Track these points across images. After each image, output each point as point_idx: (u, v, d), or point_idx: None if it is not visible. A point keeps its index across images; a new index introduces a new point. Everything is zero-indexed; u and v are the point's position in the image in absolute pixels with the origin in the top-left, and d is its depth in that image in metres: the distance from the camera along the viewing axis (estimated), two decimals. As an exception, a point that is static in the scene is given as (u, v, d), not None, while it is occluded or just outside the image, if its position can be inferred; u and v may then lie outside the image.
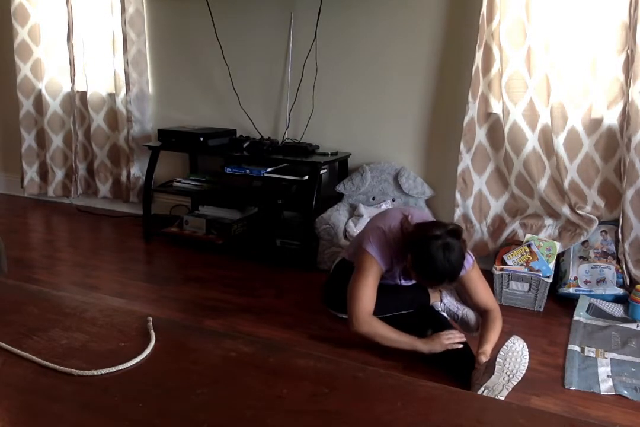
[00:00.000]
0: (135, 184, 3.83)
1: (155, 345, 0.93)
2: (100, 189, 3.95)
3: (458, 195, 2.95)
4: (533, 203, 2.87)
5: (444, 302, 2.29)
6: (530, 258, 2.61)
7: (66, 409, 0.79)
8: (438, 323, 2.24)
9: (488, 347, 2.00)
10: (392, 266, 2.14)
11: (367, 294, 2.05)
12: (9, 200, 4.29)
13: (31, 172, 4.12)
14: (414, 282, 2.30)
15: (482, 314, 2.16)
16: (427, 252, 1.90)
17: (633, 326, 2.40)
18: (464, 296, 2.28)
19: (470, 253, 2.11)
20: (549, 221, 2.84)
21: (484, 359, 1.93)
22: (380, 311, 2.10)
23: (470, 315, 2.24)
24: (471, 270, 2.12)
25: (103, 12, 3.63)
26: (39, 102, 3.95)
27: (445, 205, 3.08)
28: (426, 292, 2.32)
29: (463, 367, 1.96)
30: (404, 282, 2.27)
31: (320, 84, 3.23)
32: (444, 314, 2.29)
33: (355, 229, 2.85)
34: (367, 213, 2.95)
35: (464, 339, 2.04)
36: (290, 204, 3.13)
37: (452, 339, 2.03)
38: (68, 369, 0.86)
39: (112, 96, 3.78)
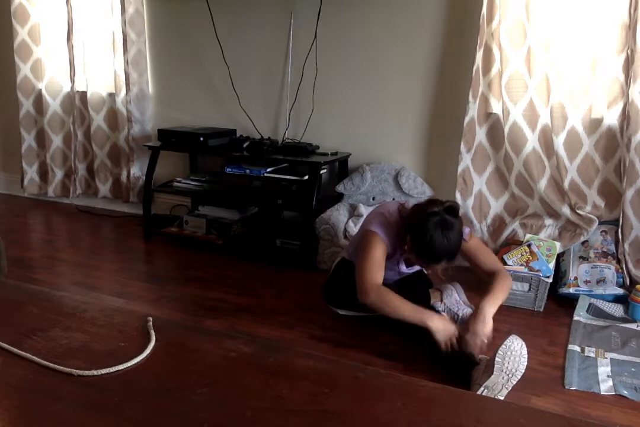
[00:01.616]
0: (135, 184, 3.83)
1: (155, 345, 0.93)
2: (100, 189, 3.95)
3: (458, 195, 2.95)
4: (533, 203, 2.87)
5: (444, 302, 2.29)
6: (530, 258, 2.61)
7: (66, 409, 0.79)
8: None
9: (489, 306, 1.97)
10: (394, 250, 2.14)
11: (374, 265, 2.03)
12: (9, 200, 4.29)
13: (31, 172, 4.12)
14: (415, 269, 2.30)
15: (491, 276, 2.12)
16: (424, 229, 1.91)
17: (633, 326, 2.40)
18: (472, 268, 2.24)
19: (466, 230, 2.11)
20: (549, 221, 2.84)
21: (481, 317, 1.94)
22: None
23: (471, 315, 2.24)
24: (470, 240, 2.11)
25: (103, 13, 3.63)
26: (39, 102, 3.95)
27: (445, 205, 3.08)
28: (426, 292, 2.32)
29: (463, 367, 1.96)
30: (405, 269, 2.28)
31: (320, 84, 3.24)
32: (444, 314, 2.28)
33: (355, 229, 2.86)
34: (367, 213, 2.95)
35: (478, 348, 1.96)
36: (290, 204, 3.13)
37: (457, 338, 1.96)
38: (68, 369, 0.86)
39: (112, 96, 3.78)
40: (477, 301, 2.07)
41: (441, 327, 1.97)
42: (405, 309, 1.97)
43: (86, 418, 0.77)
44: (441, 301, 2.30)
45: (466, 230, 2.09)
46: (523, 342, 1.82)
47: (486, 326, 1.96)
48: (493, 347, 1.96)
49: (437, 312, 2.28)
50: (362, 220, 2.89)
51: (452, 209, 1.95)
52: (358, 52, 3.14)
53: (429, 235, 1.90)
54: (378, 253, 2.06)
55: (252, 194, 3.24)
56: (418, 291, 2.33)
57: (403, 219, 2.08)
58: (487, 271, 2.15)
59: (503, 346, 1.81)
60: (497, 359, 1.79)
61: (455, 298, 2.32)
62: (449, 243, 1.91)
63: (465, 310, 2.26)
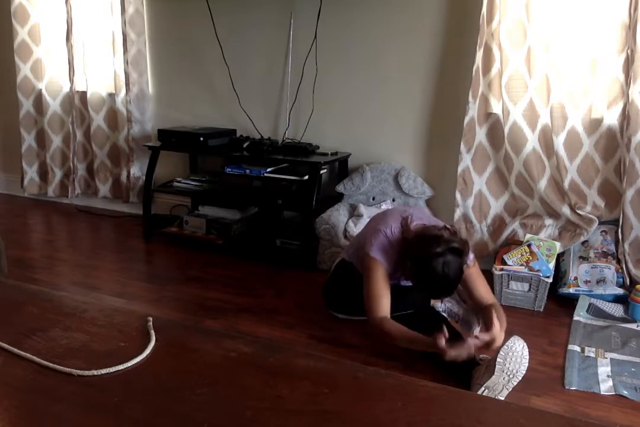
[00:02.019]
0: (135, 184, 3.83)
1: (155, 345, 0.93)
2: (100, 189, 3.95)
3: (458, 195, 2.95)
4: (533, 203, 2.87)
5: (445, 302, 2.29)
6: (530, 258, 2.61)
7: (66, 409, 0.79)
8: (437, 324, 2.24)
9: (503, 330, 1.93)
10: (395, 271, 2.14)
11: (378, 297, 2.06)
12: (9, 200, 4.29)
13: (31, 172, 4.12)
14: None
15: (485, 308, 2.12)
16: (427, 270, 1.91)
17: (633, 326, 2.40)
18: (463, 296, 2.28)
19: (470, 255, 2.11)
20: (549, 221, 2.83)
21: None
22: None
23: (471, 315, 2.24)
24: (472, 266, 2.13)
25: (103, 12, 3.63)
26: (39, 102, 3.95)
27: (445, 205, 3.08)
28: (428, 300, 2.32)
29: (463, 367, 1.96)
30: (404, 283, 2.28)
31: (320, 84, 3.23)
32: (444, 314, 2.28)
33: (355, 229, 2.85)
34: (367, 213, 2.95)
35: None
36: (290, 204, 3.13)
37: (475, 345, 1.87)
38: (68, 369, 0.86)
39: (112, 96, 3.77)
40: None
41: (459, 351, 1.85)
42: (410, 340, 1.97)
43: (86, 418, 0.77)
44: (441, 301, 2.30)
45: (470, 256, 2.09)
46: (525, 344, 1.82)
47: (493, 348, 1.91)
48: (495, 347, 1.96)
49: (437, 312, 2.28)
50: (362, 220, 2.89)
51: (457, 250, 1.93)
52: (358, 52, 3.14)
53: (430, 277, 1.91)
54: (380, 281, 2.08)
55: (252, 194, 3.24)
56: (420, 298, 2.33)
57: (405, 241, 2.05)
58: (480, 301, 2.15)
59: (505, 346, 1.81)
60: (498, 359, 1.79)
61: (455, 298, 2.32)
62: (449, 283, 1.94)
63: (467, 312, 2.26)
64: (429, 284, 1.96)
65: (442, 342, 1.81)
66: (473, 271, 2.15)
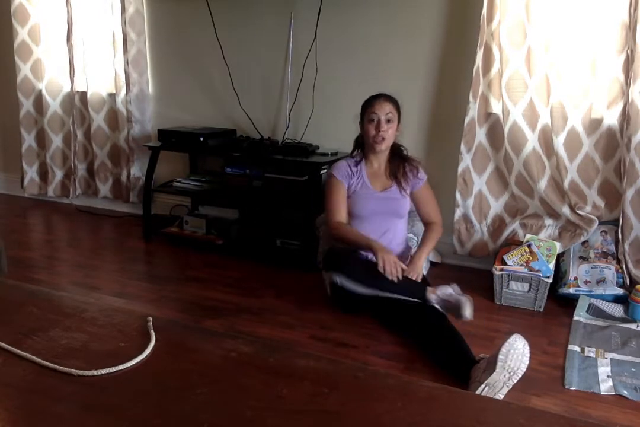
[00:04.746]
0: (135, 184, 3.83)
1: (155, 345, 0.93)
2: (101, 189, 3.95)
3: (458, 195, 2.95)
4: (533, 203, 2.87)
5: (437, 293, 2.26)
6: (530, 258, 2.61)
7: (66, 409, 0.79)
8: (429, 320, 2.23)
9: (421, 254, 2.45)
10: (353, 174, 2.50)
11: (335, 206, 2.50)
12: (9, 200, 4.29)
13: (31, 172, 4.12)
14: (389, 191, 2.52)
15: (426, 226, 2.60)
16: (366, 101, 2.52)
17: (633, 326, 2.40)
18: (416, 211, 2.65)
19: (423, 171, 2.57)
20: (549, 221, 2.83)
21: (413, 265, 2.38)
22: (379, 287, 2.29)
23: (463, 300, 2.20)
24: (424, 186, 2.57)
25: (103, 12, 3.63)
26: (39, 102, 3.95)
27: (446, 205, 3.07)
28: (423, 285, 2.32)
29: (462, 364, 1.96)
30: (375, 193, 2.50)
31: (320, 84, 3.23)
32: (437, 306, 2.26)
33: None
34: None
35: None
36: (290, 204, 3.13)
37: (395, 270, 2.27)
38: (68, 369, 0.86)
39: (112, 96, 3.78)
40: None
41: (384, 249, 2.31)
42: (358, 238, 2.41)
43: (86, 418, 0.77)
44: (435, 294, 2.29)
45: (423, 177, 2.55)
46: (526, 342, 1.83)
47: (419, 270, 2.40)
48: (494, 346, 1.97)
49: (432, 306, 2.27)
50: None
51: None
52: (358, 52, 3.14)
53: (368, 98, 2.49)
54: (336, 193, 2.50)
55: (252, 194, 3.24)
56: (416, 283, 2.34)
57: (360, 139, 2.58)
58: (426, 218, 2.60)
59: (506, 343, 1.81)
60: (500, 356, 1.79)
61: (449, 291, 2.30)
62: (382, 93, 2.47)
63: (456, 297, 2.22)
64: (368, 99, 2.49)
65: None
66: (425, 191, 2.57)
